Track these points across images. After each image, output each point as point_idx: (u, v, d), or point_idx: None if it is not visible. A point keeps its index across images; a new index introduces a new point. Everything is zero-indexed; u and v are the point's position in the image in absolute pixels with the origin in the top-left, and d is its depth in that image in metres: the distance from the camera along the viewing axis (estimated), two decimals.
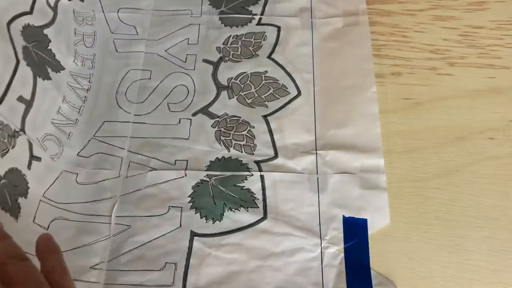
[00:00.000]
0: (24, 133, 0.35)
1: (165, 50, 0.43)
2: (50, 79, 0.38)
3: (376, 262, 0.35)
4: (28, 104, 0.36)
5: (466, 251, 0.35)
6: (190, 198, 0.37)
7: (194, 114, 0.41)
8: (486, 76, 0.41)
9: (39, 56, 0.38)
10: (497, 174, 0.37)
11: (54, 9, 0.41)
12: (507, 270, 0.34)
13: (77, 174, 0.38)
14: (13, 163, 0.34)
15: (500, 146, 0.38)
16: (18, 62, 0.35)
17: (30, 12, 0.38)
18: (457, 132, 0.39)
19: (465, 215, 0.36)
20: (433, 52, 0.43)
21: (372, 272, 0.34)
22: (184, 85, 0.42)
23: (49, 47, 0.39)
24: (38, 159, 0.36)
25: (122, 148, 0.39)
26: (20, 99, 0.36)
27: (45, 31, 0.39)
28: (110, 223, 0.36)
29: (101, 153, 0.39)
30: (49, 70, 0.38)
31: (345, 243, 0.35)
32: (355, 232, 0.36)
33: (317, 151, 0.39)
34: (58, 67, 0.40)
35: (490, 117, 0.40)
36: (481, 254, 0.35)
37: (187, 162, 0.38)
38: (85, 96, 0.41)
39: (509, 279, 0.34)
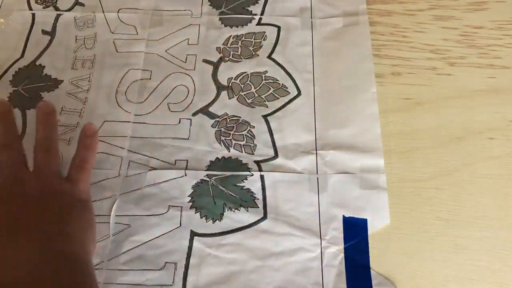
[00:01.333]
0: None
1: (165, 50, 0.43)
2: None
3: (376, 262, 0.35)
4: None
5: (466, 251, 0.35)
6: (190, 198, 0.37)
7: (194, 114, 0.41)
8: (486, 76, 0.41)
9: (31, 90, 0.42)
10: (497, 174, 0.37)
11: (52, 32, 0.44)
12: (507, 270, 0.34)
13: None
14: None
15: (500, 146, 0.38)
16: None
17: (22, 56, 0.43)
18: (457, 132, 0.39)
19: (465, 215, 0.36)
20: (433, 52, 0.43)
21: (372, 272, 0.34)
22: (184, 85, 0.42)
23: (43, 74, 0.42)
24: None
25: (122, 148, 0.39)
26: None
27: (38, 62, 0.43)
28: (110, 223, 0.36)
29: (101, 152, 0.39)
30: (44, 94, 0.42)
31: (345, 243, 0.35)
32: (355, 232, 0.36)
33: (317, 151, 0.39)
34: (56, 84, 0.42)
35: (490, 117, 0.40)
36: (481, 254, 0.35)
37: (187, 162, 0.38)
38: (86, 97, 0.41)
39: (509, 279, 0.34)
